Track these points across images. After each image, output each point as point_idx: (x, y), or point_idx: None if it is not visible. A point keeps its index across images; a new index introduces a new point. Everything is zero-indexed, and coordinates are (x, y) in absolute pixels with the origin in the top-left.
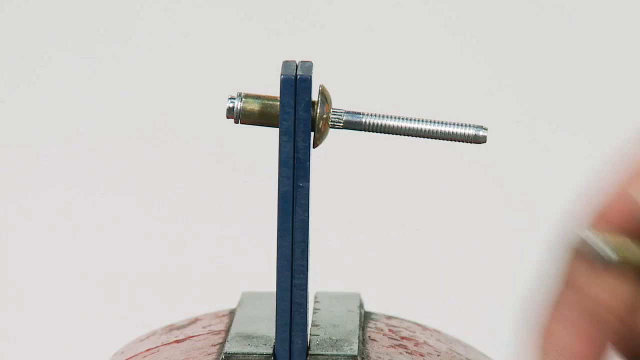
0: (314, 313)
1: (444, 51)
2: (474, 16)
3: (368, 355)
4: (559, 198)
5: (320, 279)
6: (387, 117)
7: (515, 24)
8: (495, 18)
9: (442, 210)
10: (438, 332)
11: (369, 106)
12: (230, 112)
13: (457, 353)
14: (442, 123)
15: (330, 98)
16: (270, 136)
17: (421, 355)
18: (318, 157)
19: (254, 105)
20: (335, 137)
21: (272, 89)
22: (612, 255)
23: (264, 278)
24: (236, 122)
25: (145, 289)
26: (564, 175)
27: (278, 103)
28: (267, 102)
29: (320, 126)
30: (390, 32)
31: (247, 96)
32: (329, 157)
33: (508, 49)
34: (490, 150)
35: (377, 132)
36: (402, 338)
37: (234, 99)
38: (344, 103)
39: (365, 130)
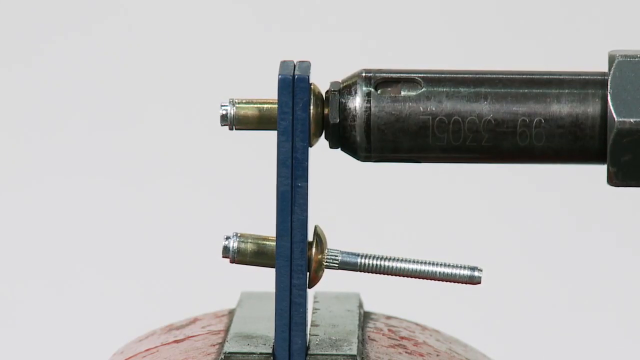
0: (313, 313)
1: (443, 52)
2: (477, 18)
3: (367, 355)
4: (560, 195)
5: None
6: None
7: (522, 24)
8: (501, 26)
9: (442, 209)
10: (437, 332)
11: None
12: (224, 120)
13: (457, 353)
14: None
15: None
16: (268, 136)
17: (420, 355)
18: (317, 156)
19: (248, 111)
20: None
21: (270, 89)
22: None
23: (264, 278)
24: (231, 129)
25: (145, 288)
26: (565, 174)
27: (273, 105)
28: (260, 105)
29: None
30: (389, 31)
31: (240, 102)
32: (327, 157)
33: (513, 55)
34: None
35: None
36: (402, 338)
37: (227, 105)
38: None
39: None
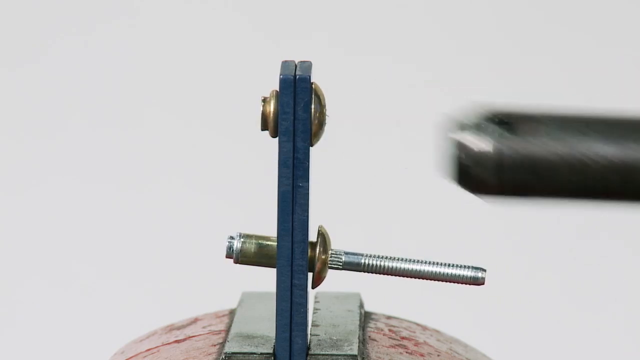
0: (314, 313)
1: (443, 53)
2: (480, 22)
3: (368, 355)
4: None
5: None
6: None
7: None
8: (506, 36)
9: (443, 209)
10: (438, 332)
11: (368, 105)
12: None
13: (457, 353)
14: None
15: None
16: (269, 136)
17: (421, 355)
18: (317, 157)
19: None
20: (334, 137)
21: (270, 89)
22: None
23: (265, 278)
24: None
25: (146, 288)
26: None
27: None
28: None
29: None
30: (389, 32)
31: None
32: (328, 157)
33: (518, 66)
34: None
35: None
36: (402, 338)
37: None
38: (344, 103)
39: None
